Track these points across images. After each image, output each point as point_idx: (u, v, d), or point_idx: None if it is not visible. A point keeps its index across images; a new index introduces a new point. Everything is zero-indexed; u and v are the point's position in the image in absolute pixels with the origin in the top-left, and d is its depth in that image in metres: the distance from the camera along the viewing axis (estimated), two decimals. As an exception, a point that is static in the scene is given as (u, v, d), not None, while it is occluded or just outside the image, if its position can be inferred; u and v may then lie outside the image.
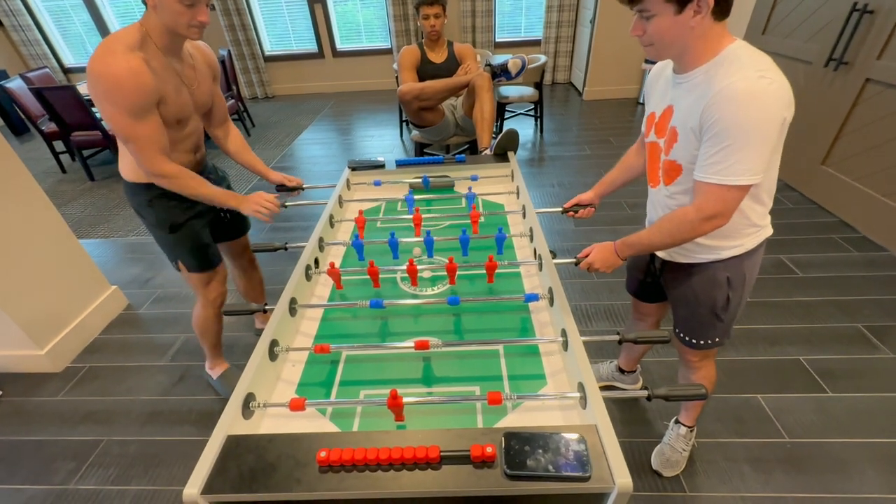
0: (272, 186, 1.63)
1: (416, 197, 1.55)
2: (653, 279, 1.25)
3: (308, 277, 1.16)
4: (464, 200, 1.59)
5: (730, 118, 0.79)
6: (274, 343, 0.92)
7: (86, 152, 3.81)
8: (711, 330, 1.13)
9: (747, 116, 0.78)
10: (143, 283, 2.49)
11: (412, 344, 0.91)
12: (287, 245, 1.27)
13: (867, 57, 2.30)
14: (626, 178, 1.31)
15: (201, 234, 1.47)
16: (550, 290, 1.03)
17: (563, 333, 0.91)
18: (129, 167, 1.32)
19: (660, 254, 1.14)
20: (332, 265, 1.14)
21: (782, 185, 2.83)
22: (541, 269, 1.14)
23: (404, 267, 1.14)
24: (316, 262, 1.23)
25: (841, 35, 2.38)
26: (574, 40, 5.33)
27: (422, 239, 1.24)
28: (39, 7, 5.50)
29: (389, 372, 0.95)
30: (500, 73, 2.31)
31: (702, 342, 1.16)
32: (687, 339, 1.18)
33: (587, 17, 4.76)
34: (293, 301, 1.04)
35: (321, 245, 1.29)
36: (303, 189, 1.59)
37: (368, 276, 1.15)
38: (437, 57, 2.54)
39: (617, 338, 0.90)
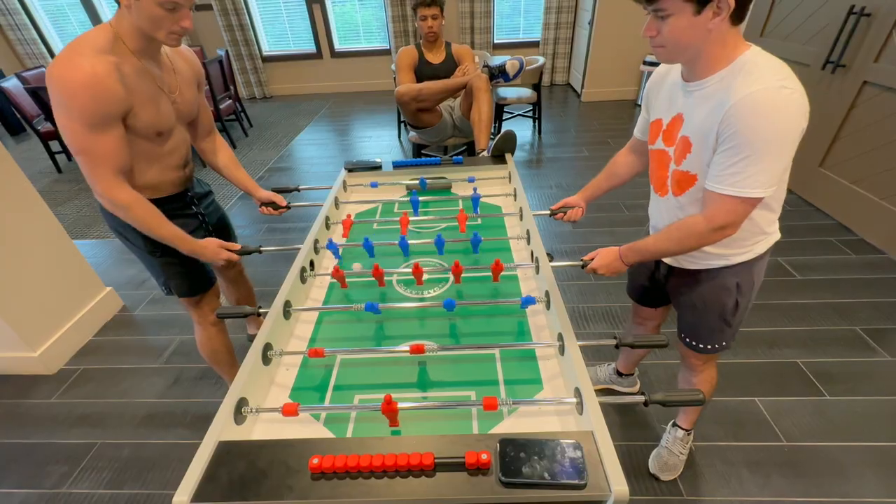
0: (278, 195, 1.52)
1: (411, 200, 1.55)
2: (656, 284, 1.24)
3: (303, 280, 1.15)
4: (460, 202, 1.59)
5: (751, 129, 0.76)
6: (267, 347, 0.91)
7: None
8: (719, 335, 1.13)
9: (769, 128, 0.76)
10: (139, 284, 2.47)
11: (407, 348, 0.90)
12: (261, 248, 1.25)
13: (864, 59, 2.30)
14: (611, 185, 1.31)
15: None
16: (547, 294, 1.02)
17: (560, 338, 0.90)
18: None
19: (666, 259, 1.13)
20: (336, 268, 1.13)
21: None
22: (538, 272, 1.13)
23: (402, 269, 1.14)
24: (311, 264, 1.22)
25: (838, 38, 2.38)
26: (572, 42, 5.33)
27: (396, 242, 1.23)
28: (36, 6, 5.48)
29: (384, 376, 0.94)
30: (497, 75, 2.30)
31: (708, 346, 1.15)
32: (693, 343, 1.17)
33: (585, 19, 4.76)
34: (287, 304, 1.03)
35: (316, 247, 1.27)
36: (289, 208, 1.50)
37: (372, 278, 1.15)
38: (435, 58, 2.53)
39: (614, 342, 0.89)
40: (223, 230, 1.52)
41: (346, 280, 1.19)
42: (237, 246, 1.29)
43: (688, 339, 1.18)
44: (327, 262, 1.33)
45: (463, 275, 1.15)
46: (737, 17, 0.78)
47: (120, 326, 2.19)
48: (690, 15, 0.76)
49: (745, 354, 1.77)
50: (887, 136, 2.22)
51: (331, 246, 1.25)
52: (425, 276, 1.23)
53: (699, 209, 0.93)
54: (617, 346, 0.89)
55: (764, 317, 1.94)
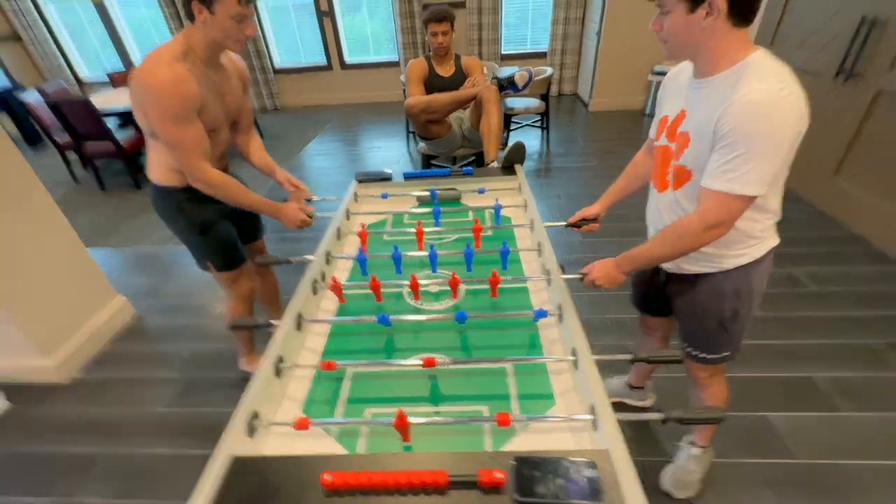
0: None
1: (422, 210, 1.55)
2: (658, 291, 1.23)
3: (315, 291, 1.15)
4: (470, 213, 1.59)
5: (745, 127, 0.78)
6: (279, 359, 0.91)
7: (98, 162, 3.87)
8: (719, 342, 1.11)
9: (762, 127, 0.78)
10: (152, 293, 2.50)
11: (419, 361, 0.90)
12: (291, 259, 1.27)
13: (879, 68, 2.28)
14: (634, 188, 1.30)
15: (229, 233, 1.52)
16: (560, 307, 1.01)
17: (574, 352, 0.89)
18: (158, 170, 1.35)
19: (664, 266, 1.13)
20: (333, 280, 1.13)
21: (794, 197, 2.79)
22: (549, 283, 1.13)
23: (409, 282, 1.13)
24: (323, 275, 1.22)
25: (850, 46, 2.37)
26: (580, 52, 5.36)
27: (426, 253, 1.23)
28: (57, 22, 5.65)
29: (396, 389, 0.93)
30: (507, 86, 2.32)
31: (710, 356, 1.14)
32: (694, 353, 1.16)
33: (593, 30, 4.78)
34: (299, 316, 1.03)
35: (328, 258, 1.28)
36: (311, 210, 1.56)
37: (372, 291, 1.15)
38: (445, 70, 2.56)
39: (629, 357, 0.88)
40: (254, 218, 1.69)
41: (345, 294, 1.18)
42: (311, 209, 1.49)
43: (689, 349, 1.17)
44: (339, 273, 1.33)
45: (465, 288, 1.14)
46: (738, 18, 0.79)
47: (132, 335, 2.21)
48: (684, 13, 0.80)
49: (760, 368, 1.74)
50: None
51: (360, 258, 1.26)
52: (437, 289, 1.23)
53: (694, 206, 0.94)
54: (632, 362, 0.88)
55: (778, 329, 1.90)
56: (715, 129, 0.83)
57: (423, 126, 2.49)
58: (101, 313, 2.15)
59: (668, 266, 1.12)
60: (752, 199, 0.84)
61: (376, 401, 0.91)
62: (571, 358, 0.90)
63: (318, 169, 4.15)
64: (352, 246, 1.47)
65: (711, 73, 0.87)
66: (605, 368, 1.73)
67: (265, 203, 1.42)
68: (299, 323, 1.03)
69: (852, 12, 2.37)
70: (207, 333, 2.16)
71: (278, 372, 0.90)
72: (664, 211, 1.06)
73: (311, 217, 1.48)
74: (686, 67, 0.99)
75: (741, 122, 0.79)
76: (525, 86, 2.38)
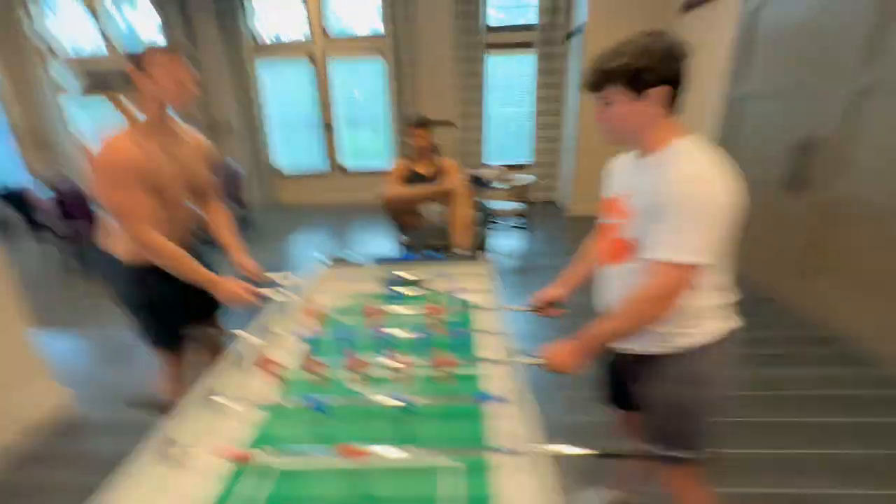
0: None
1: (382, 292, 1.50)
2: (616, 379, 1.17)
3: (241, 367, 1.04)
4: (439, 298, 1.53)
5: (677, 198, 0.83)
6: (169, 443, 0.76)
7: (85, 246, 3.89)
8: (680, 435, 1.01)
9: (694, 196, 0.82)
10: (95, 381, 2.28)
11: (336, 452, 0.76)
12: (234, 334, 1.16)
13: (823, 182, 2.43)
14: (587, 271, 1.30)
15: (176, 311, 1.47)
16: (514, 393, 0.90)
17: (528, 447, 0.77)
18: (114, 240, 1.36)
19: (615, 346, 1.08)
20: (267, 359, 1.02)
21: (766, 298, 2.75)
22: (506, 369, 1.03)
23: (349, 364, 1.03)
24: (260, 354, 1.12)
25: (795, 164, 2.56)
26: (559, 164, 5.85)
27: (376, 334, 1.15)
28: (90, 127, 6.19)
29: (317, 489, 0.77)
30: (478, 182, 2.46)
31: (673, 452, 1.01)
32: (657, 447, 1.03)
33: (569, 146, 5.29)
34: (212, 392, 0.90)
35: (268, 335, 1.18)
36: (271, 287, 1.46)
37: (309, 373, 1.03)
38: (424, 169, 2.74)
39: (591, 452, 0.76)
40: (210, 301, 1.45)
41: (282, 375, 1.07)
42: (255, 290, 1.39)
43: (650, 442, 1.05)
44: (282, 353, 1.22)
45: (414, 373, 1.04)
46: (668, 108, 0.89)
47: (57, 429, 1.94)
48: (628, 102, 0.88)
49: (763, 483, 1.52)
50: (865, 242, 2.23)
51: (308, 339, 1.17)
52: (381, 373, 1.11)
53: (640, 278, 0.93)
54: (600, 456, 0.76)
55: (773, 436, 1.72)
56: (655, 202, 0.88)
57: (398, 218, 2.59)
58: (23, 399, 1.90)
59: (616, 347, 1.07)
60: (694, 266, 0.85)
61: None
62: (524, 452, 0.77)
63: (305, 256, 4.20)
64: (302, 326, 1.38)
65: (650, 151, 0.94)
66: (587, 476, 1.51)
67: (203, 275, 1.35)
68: (207, 402, 0.90)
69: (787, 136, 2.62)
70: (143, 428, 1.91)
71: (169, 459, 0.75)
72: (613, 284, 1.05)
73: (258, 297, 1.38)
74: (629, 154, 1.06)
75: (675, 194, 0.84)
76: (495, 182, 2.54)
